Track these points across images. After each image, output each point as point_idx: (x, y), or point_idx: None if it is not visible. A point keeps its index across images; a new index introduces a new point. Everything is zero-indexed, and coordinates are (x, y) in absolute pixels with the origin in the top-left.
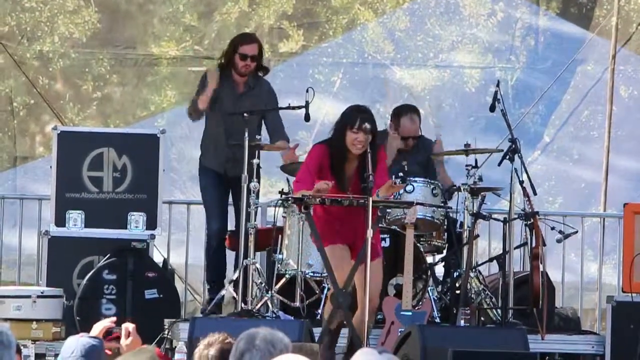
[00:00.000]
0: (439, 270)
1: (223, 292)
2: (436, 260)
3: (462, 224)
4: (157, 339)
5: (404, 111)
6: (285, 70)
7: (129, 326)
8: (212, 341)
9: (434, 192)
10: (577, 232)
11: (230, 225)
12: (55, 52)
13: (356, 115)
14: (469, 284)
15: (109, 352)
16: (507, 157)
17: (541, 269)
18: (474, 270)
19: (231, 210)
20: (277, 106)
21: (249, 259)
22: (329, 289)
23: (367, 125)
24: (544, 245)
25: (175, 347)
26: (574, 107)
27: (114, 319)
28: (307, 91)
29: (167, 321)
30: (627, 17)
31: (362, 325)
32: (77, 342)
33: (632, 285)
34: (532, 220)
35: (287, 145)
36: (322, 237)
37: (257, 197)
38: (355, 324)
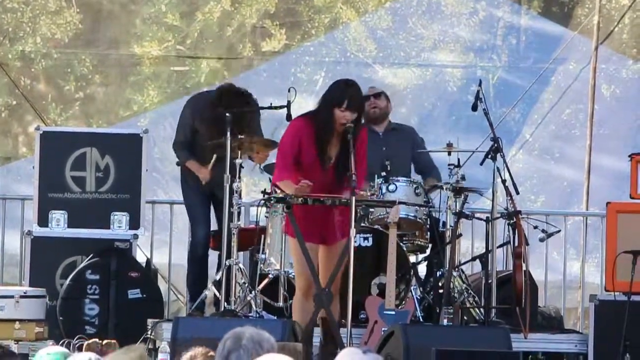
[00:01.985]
0: (422, 269)
1: (206, 292)
2: (419, 259)
3: (444, 223)
4: (141, 339)
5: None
6: (267, 69)
7: None
8: (195, 354)
9: (416, 191)
10: (559, 231)
11: (213, 226)
12: (37, 52)
13: (345, 94)
14: (451, 283)
15: None
16: (490, 156)
17: (524, 268)
18: (456, 269)
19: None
20: (259, 114)
21: (231, 259)
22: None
23: (356, 104)
24: (527, 244)
25: (159, 347)
26: (555, 106)
27: None
28: (289, 91)
29: (150, 321)
30: (609, 16)
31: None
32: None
33: (615, 284)
34: (514, 219)
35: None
36: (294, 233)
37: (240, 197)
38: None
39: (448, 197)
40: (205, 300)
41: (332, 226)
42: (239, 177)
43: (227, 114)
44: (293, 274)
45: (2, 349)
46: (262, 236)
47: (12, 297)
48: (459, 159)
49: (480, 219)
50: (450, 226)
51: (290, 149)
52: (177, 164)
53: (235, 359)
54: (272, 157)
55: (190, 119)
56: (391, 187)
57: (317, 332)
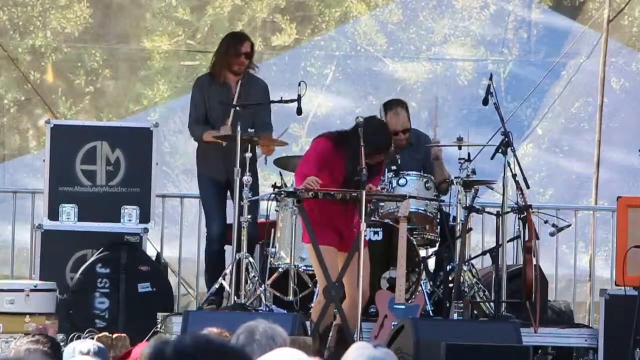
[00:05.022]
0: (432, 263)
1: (217, 285)
2: (429, 253)
3: (455, 218)
4: (151, 332)
5: (388, 108)
6: (277, 63)
7: None
8: (209, 333)
9: (426, 185)
10: (570, 225)
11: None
12: (47, 46)
13: (381, 142)
14: (462, 278)
15: None
16: (500, 150)
17: (534, 262)
18: (467, 263)
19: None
20: (269, 105)
21: (242, 252)
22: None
23: (387, 148)
24: (537, 238)
25: None
26: (565, 99)
27: None
28: (299, 85)
29: (160, 315)
30: (619, 10)
31: (353, 317)
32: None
33: (625, 278)
34: (525, 214)
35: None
36: (306, 230)
37: (250, 190)
38: (346, 315)
39: (458, 191)
40: (222, 293)
41: (351, 232)
42: (249, 171)
43: (238, 108)
44: (303, 268)
45: (51, 342)
46: (272, 230)
47: (22, 290)
48: (469, 153)
49: (491, 213)
50: (461, 220)
51: (317, 164)
52: (195, 139)
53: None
54: (280, 151)
55: (199, 95)
56: (401, 181)
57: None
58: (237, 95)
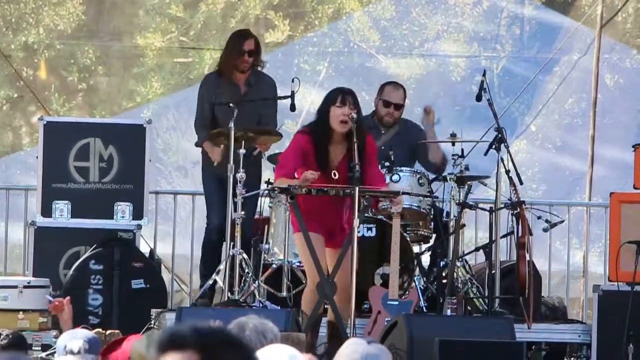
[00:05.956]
0: (426, 259)
1: (210, 281)
2: (422, 249)
3: (448, 214)
4: (144, 329)
5: (388, 83)
6: (271, 60)
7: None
8: None
9: (420, 181)
10: (563, 221)
11: None
12: (40, 43)
13: (338, 92)
14: (455, 274)
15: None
16: (494, 146)
17: (527, 258)
18: (460, 259)
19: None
20: (276, 102)
21: (235, 248)
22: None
23: (350, 99)
24: (530, 234)
25: None
26: (559, 96)
27: None
28: (292, 81)
29: (153, 311)
30: (612, 6)
31: (344, 312)
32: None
33: (619, 274)
34: (518, 210)
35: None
36: (298, 223)
37: (244, 187)
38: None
39: (452, 187)
40: (215, 288)
41: (339, 226)
42: (244, 167)
43: (231, 104)
44: (296, 264)
45: (9, 337)
46: (266, 226)
47: (15, 287)
48: (462, 150)
49: (484, 209)
50: (454, 216)
51: (295, 156)
52: (196, 144)
53: None
54: (276, 147)
55: (206, 96)
56: (395, 177)
57: (323, 322)
58: (245, 93)
